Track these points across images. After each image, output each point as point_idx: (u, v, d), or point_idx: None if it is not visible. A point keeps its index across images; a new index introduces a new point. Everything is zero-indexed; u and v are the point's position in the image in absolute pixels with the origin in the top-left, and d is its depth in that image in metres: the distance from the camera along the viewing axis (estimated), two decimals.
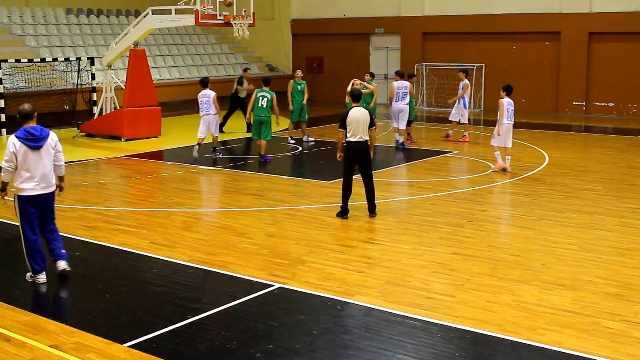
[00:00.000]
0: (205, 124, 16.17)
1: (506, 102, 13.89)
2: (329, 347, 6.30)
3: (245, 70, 20.60)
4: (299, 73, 18.32)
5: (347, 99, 13.71)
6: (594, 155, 16.72)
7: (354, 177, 10.77)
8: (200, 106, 16.18)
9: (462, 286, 7.79)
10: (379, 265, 8.54)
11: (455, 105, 18.30)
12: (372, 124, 10.64)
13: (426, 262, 8.64)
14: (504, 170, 14.02)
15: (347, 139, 10.63)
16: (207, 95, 16.08)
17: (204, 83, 16.31)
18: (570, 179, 13.60)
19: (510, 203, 11.59)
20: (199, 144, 16.09)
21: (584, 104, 24.31)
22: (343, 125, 10.59)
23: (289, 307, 7.32)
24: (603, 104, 24.22)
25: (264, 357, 6.11)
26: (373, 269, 8.42)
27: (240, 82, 19.91)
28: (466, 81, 18.09)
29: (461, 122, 18.22)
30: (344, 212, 10.75)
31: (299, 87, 17.99)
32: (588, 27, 23.81)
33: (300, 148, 17.60)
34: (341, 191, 10.80)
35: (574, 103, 24.46)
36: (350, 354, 6.17)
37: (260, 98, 15.29)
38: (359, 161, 10.64)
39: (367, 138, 10.62)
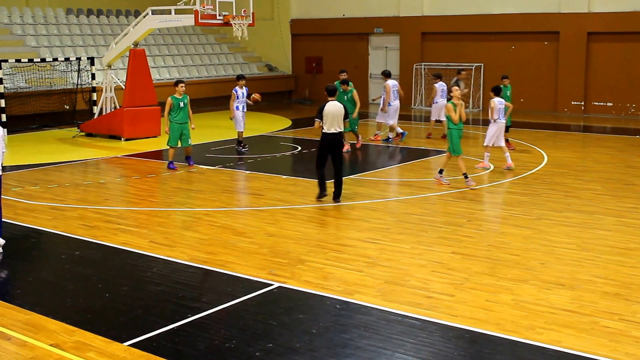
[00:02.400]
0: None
1: (498, 102, 14.40)
2: (328, 346, 6.32)
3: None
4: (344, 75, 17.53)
5: (446, 112, 12.83)
6: (592, 154, 16.75)
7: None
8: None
9: (461, 285, 7.82)
10: (378, 265, 8.56)
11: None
12: (346, 117, 11.59)
13: (425, 262, 8.66)
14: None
15: (322, 131, 11.49)
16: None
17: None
18: (569, 179, 13.62)
19: (509, 203, 11.62)
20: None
21: (582, 103, 24.34)
22: (319, 116, 11.43)
23: (288, 306, 7.34)
24: (602, 103, 24.25)
25: (263, 356, 6.13)
26: (372, 268, 8.44)
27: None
28: (386, 83, 18.20)
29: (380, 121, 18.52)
30: (321, 195, 11.74)
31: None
32: (587, 27, 23.83)
33: (300, 148, 17.62)
34: (317, 179, 11.75)
35: (572, 103, 24.49)
36: (349, 353, 6.19)
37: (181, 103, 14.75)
38: (331, 150, 11.53)
39: (341, 130, 11.55)
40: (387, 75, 18.18)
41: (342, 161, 11.80)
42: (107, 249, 9.36)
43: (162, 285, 7.98)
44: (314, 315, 7.09)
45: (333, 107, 11.39)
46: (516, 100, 25.51)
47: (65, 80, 22.22)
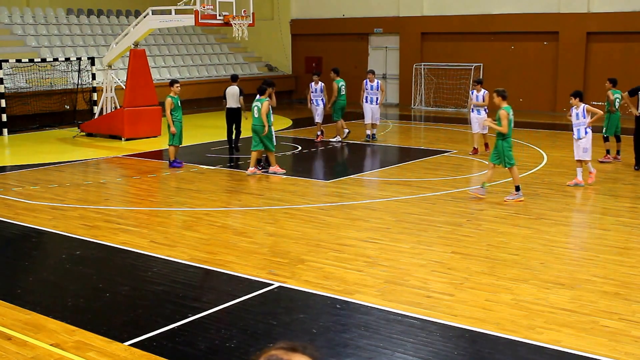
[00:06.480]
0: None
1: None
2: (328, 346, 6.33)
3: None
4: (332, 74, 18.70)
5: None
6: (591, 154, 16.70)
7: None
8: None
9: (460, 285, 7.83)
10: (378, 264, 8.57)
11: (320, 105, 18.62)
12: (240, 95, 16.49)
13: (425, 261, 8.67)
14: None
15: (226, 107, 16.44)
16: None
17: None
18: (568, 179, 13.62)
19: (509, 202, 11.62)
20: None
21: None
22: (224, 97, 16.71)
23: (288, 306, 7.35)
24: (601, 103, 24.09)
25: None
26: (372, 268, 8.46)
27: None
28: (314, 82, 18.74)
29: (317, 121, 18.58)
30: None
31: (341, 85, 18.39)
32: (586, 27, 23.85)
33: (300, 147, 17.62)
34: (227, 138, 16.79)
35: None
36: (349, 353, 6.20)
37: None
38: (233, 120, 16.72)
39: (238, 106, 16.53)
40: (372, 73, 18.50)
41: (239, 127, 16.77)
42: (108, 249, 9.37)
43: (162, 285, 7.99)
44: (314, 315, 7.11)
45: (231, 90, 16.41)
46: (515, 100, 25.60)
47: (65, 80, 22.24)
